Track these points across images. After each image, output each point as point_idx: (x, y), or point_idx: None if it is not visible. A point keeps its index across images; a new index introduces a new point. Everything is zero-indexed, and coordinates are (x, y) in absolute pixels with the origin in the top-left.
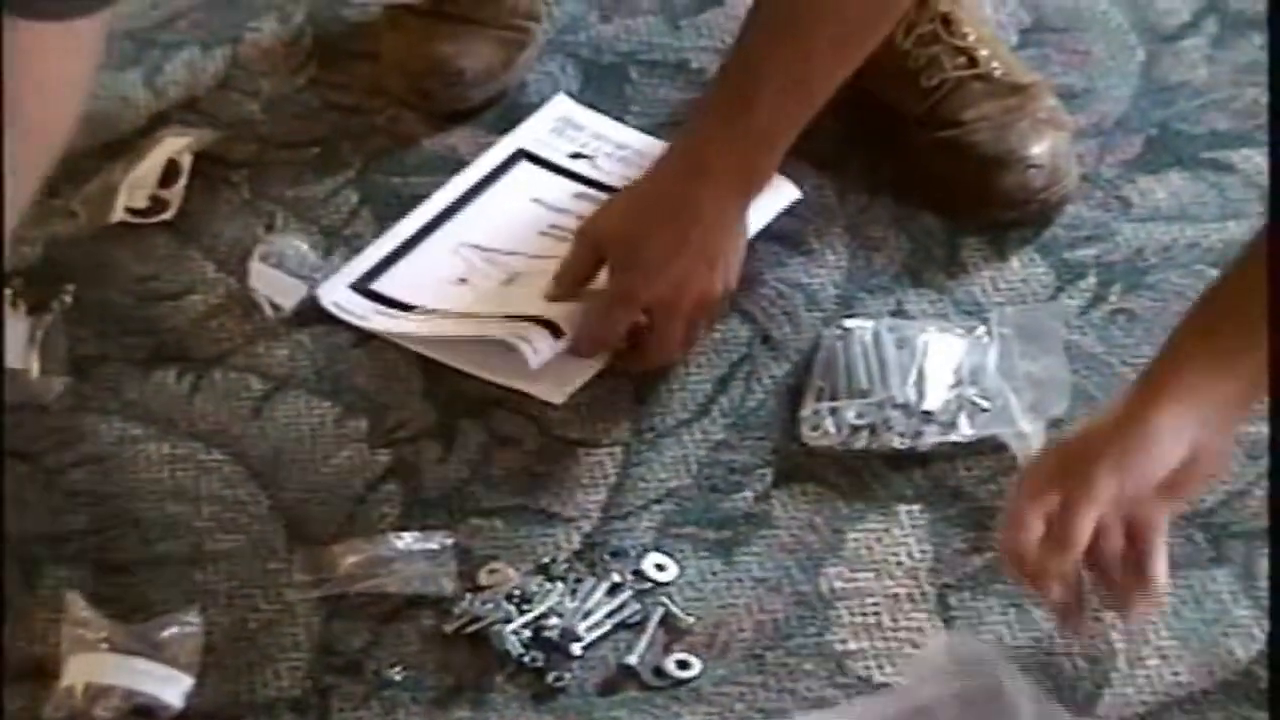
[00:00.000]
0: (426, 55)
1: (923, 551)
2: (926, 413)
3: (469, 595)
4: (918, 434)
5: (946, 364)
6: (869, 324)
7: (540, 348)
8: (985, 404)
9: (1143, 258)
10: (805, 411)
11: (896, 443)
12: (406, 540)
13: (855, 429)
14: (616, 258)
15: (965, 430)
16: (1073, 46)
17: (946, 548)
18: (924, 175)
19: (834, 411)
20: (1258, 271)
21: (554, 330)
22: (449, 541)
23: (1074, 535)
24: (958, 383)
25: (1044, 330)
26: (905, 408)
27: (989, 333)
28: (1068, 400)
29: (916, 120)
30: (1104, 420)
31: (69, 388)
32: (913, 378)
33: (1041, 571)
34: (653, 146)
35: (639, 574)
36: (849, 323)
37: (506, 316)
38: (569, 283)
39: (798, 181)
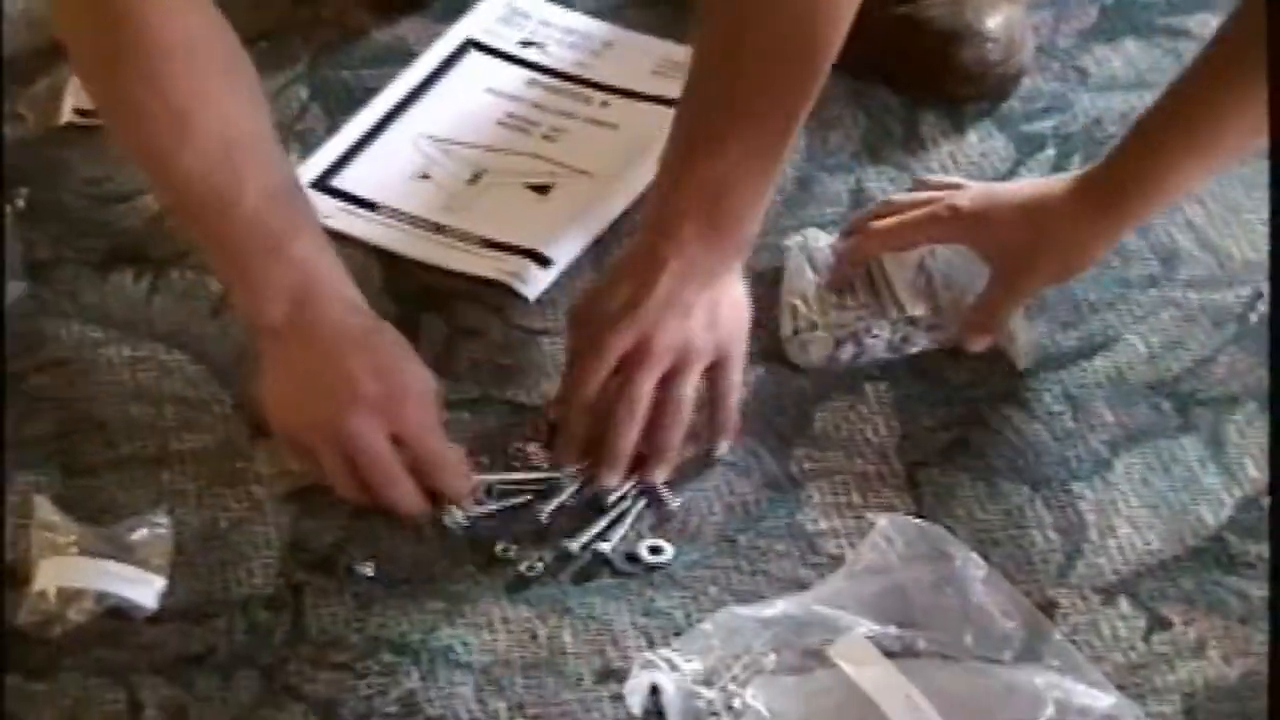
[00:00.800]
0: None
1: (890, 428)
2: (910, 319)
3: None
4: (904, 340)
5: (909, 263)
6: (826, 237)
7: (532, 279)
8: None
9: (1100, 127)
10: (785, 332)
11: (883, 351)
12: None
13: (839, 343)
14: (581, 316)
15: (953, 331)
16: None
17: (914, 424)
18: (881, 52)
19: (814, 331)
20: None
21: (539, 260)
22: None
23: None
24: (928, 281)
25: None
26: (886, 314)
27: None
28: None
29: None
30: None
31: (26, 292)
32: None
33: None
34: (601, 30)
35: None
36: (810, 235)
37: (484, 242)
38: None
39: None
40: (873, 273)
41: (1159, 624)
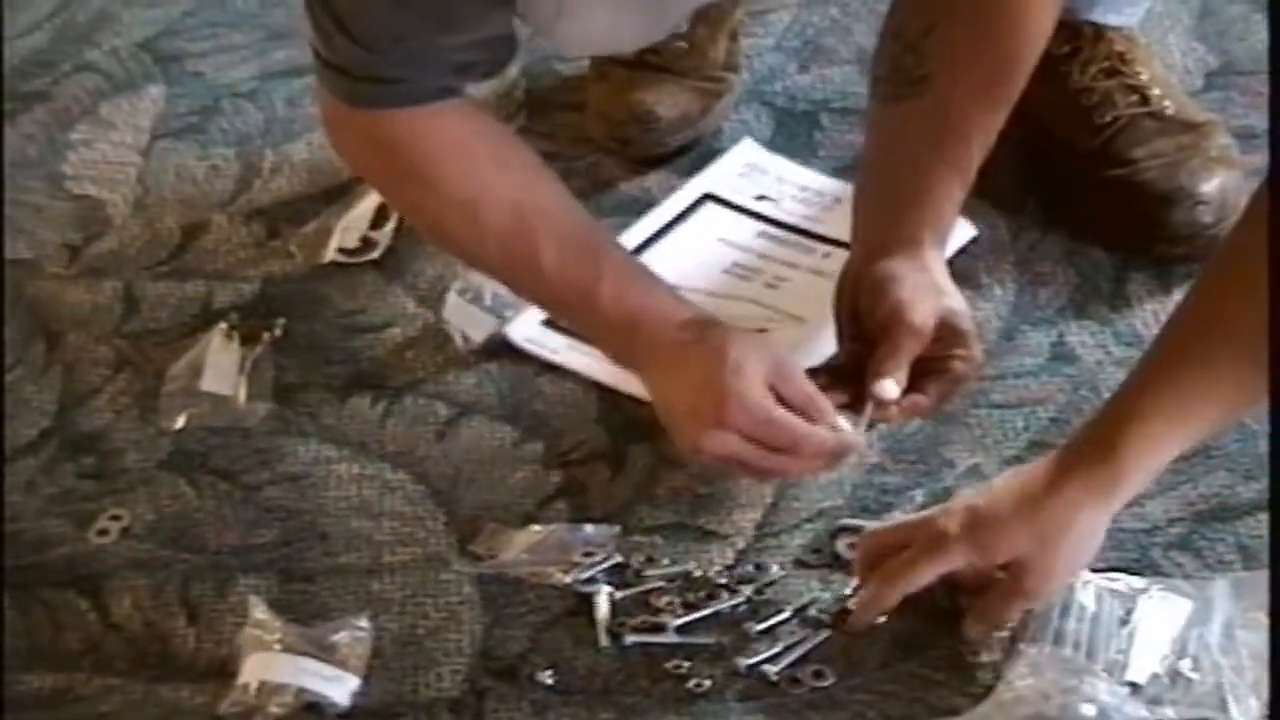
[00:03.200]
0: (627, 104)
1: None
2: (1132, 684)
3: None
4: (1118, 709)
5: (1164, 631)
6: (1093, 577)
7: None
8: (1196, 678)
9: None
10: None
11: (1089, 710)
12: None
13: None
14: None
15: (1168, 714)
16: (1257, 88)
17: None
18: (1095, 212)
19: (1035, 671)
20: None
21: None
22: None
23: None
24: (1170, 654)
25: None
26: (1109, 675)
27: (1213, 598)
28: None
29: (1089, 156)
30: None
31: (272, 412)
32: (1121, 644)
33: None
34: (833, 186)
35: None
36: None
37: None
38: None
39: (975, 219)
40: None
41: None
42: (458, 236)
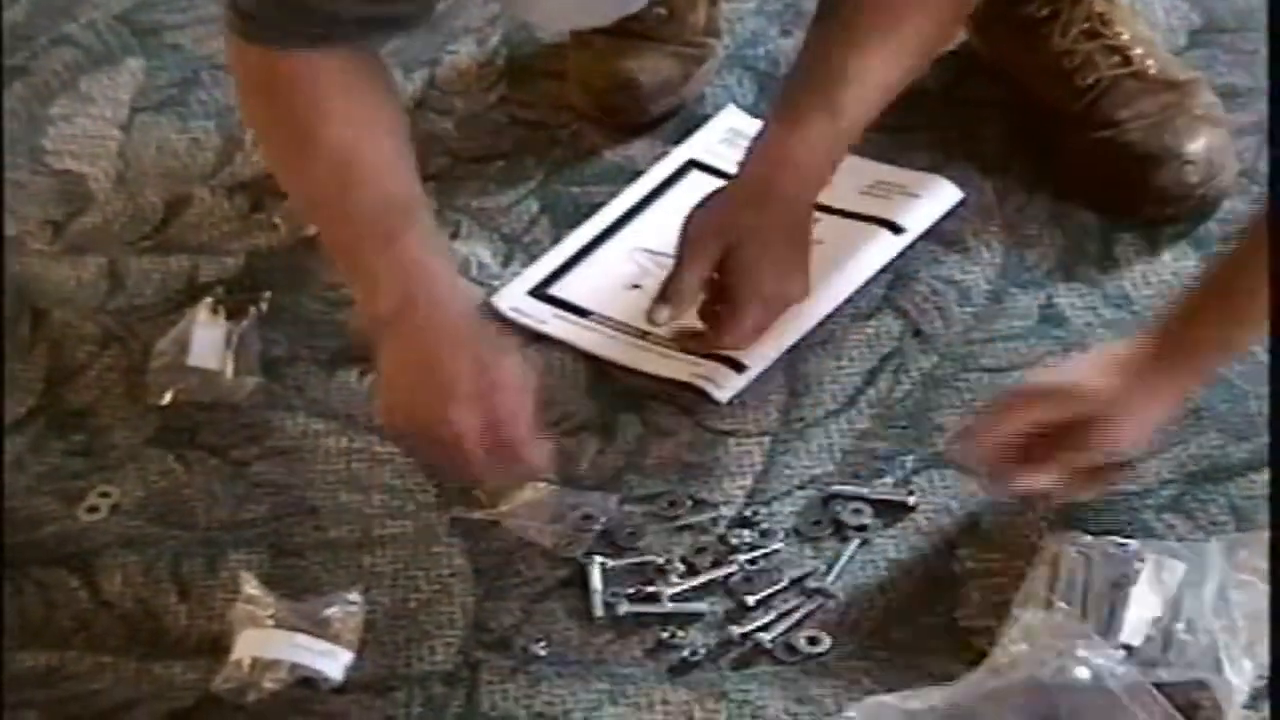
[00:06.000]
0: (609, 72)
1: (1051, 531)
2: (1126, 646)
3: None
4: (1111, 672)
5: (1157, 593)
6: (1086, 540)
7: (725, 384)
8: (1189, 639)
9: None
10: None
11: (1083, 673)
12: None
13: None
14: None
15: (1162, 675)
16: (1241, 46)
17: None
18: (1082, 174)
19: (1028, 636)
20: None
21: (735, 365)
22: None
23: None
24: (1163, 616)
25: (1259, 557)
26: (1099, 638)
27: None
28: None
29: (1074, 119)
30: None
31: (260, 387)
32: (1115, 607)
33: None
34: None
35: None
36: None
37: (685, 350)
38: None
39: (961, 183)
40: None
41: None
42: (287, 158)
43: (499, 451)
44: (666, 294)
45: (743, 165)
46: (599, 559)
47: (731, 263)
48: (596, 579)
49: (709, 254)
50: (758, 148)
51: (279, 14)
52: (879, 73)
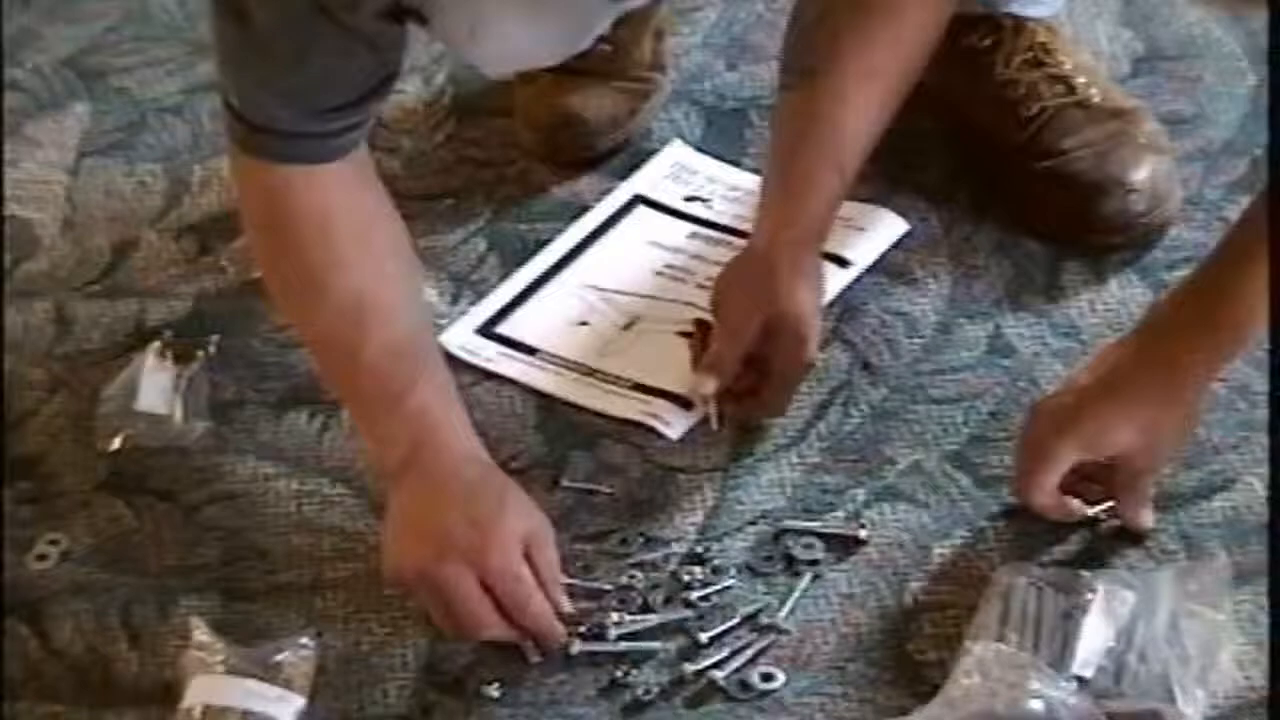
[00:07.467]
0: (554, 108)
1: (1004, 563)
2: (1079, 678)
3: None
4: (1064, 704)
5: (1109, 623)
6: (1037, 572)
7: (673, 422)
8: (1142, 669)
9: None
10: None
11: (1036, 706)
12: None
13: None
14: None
15: (1115, 706)
16: (1184, 73)
17: (1031, 561)
18: (1028, 204)
19: (981, 669)
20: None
21: (684, 403)
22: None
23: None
24: (1116, 646)
25: (1210, 586)
26: (1052, 670)
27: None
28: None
29: (1018, 149)
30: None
31: (209, 431)
32: (1066, 638)
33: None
34: None
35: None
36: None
37: (633, 385)
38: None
39: (907, 215)
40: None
41: None
42: (297, 303)
43: (501, 610)
44: (711, 367)
45: (760, 228)
46: None
47: (768, 333)
48: None
49: (750, 328)
50: (775, 213)
51: (286, 114)
52: (866, 120)
